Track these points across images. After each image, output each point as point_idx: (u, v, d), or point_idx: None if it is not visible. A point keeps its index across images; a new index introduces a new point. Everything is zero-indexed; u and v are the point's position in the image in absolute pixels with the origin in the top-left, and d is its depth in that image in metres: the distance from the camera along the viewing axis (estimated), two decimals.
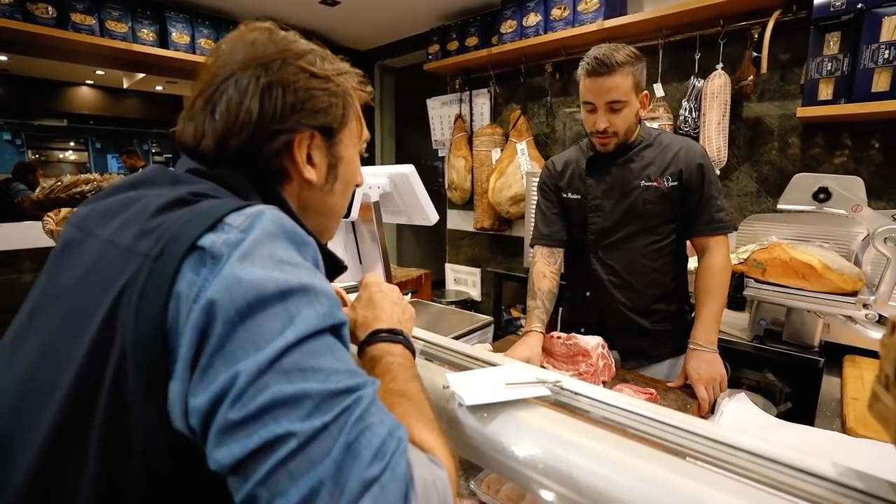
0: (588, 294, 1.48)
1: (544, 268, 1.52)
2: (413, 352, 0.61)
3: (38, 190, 2.33)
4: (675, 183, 1.36)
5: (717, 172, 1.80)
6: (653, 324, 1.41)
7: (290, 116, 0.55)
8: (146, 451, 0.40)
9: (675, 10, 2.09)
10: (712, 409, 1.08)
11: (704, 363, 1.21)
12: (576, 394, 0.55)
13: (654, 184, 1.36)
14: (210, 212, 0.44)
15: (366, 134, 0.67)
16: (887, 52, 1.60)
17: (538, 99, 2.89)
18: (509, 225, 3.11)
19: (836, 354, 1.58)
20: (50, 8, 2.28)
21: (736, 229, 1.84)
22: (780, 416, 1.63)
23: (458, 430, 0.55)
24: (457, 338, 1.57)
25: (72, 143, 6.31)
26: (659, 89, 2.28)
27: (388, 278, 1.43)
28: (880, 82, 1.62)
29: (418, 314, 1.79)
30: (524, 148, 2.77)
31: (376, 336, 0.61)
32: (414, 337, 0.81)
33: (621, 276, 1.43)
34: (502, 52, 2.72)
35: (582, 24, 2.39)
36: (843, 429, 1.20)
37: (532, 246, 1.58)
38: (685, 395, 1.18)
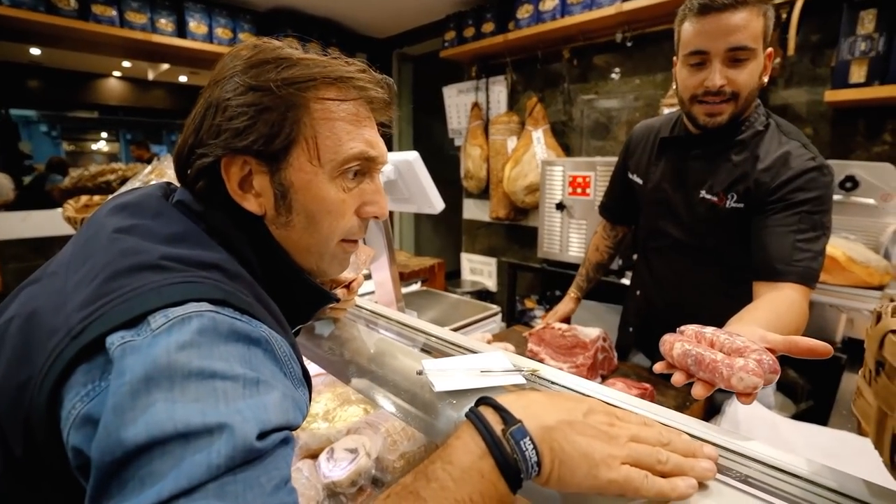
0: (638, 293, 1.36)
1: (599, 241, 1.47)
2: (514, 473, 0.38)
3: (66, 179, 2.44)
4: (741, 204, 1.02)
5: None
6: None
7: (212, 140, 0.50)
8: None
9: None
10: (717, 410, 1.04)
11: None
12: (552, 383, 0.54)
13: (715, 199, 1.06)
14: (143, 299, 0.40)
15: (347, 152, 0.53)
16: None
17: (555, 86, 2.83)
18: (525, 214, 3.07)
19: (859, 351, 1.51)
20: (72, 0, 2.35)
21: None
22: (801, 414, 1.57)
23: (431, 415, 0.54)
24: (462, 327, 1.56)
25: (104, 135, 6.53)
26: None
27: (393, 267, 1.43)
28: None
29: (428, 304, 1.80)
30: (540, 136, 2.72)
31: (476, 405, 0.42)
32: (405, 325, 0.80)
33: (667, 291, 1.23)
34: (518, 37, 2.67)
35: (600, 7, 2.31)
36: (859, 428, 1.15)
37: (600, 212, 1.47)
38: (686, 394, 1.13)
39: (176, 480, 0.32)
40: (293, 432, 0.41)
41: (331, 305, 0.82)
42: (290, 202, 0.52)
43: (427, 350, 0.73)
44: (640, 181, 1.24)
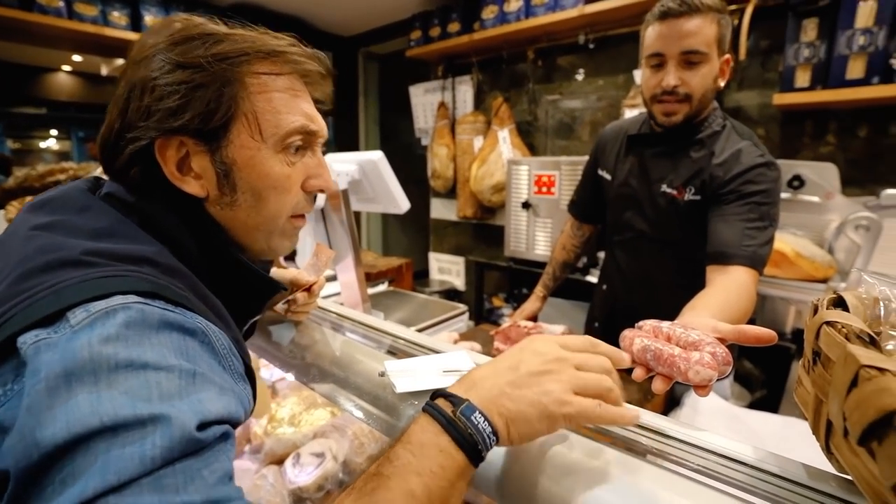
0: (604, 287, 1.40)
1: (566, 240, 1.51)
2: (472, 445, 0.39)
3: (10, 179, 2.29)
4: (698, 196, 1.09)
5: None
6: None
7: (142, 122, 0.47)
8: None
9: None
10: (677, 402, 1.08)
11: None
12: None
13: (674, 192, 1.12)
14: (60, 295, 0.37)
15: (288, 125, 0.52)
16: (862, 38, 1.58)
17: (521, 86, 2.86)
18: (492, 213, 3.10)
19: None
20: None
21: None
22: (756, 402, 1.65)
23: (394, 416, 0.54)
24: (429, 326, 1.56)
25: (53, 132, 6.18)
26: (639, 76, 2.26)
27: (359, 268, 1.41)
28: (855, 69, 1.61)
29: (396, 304, 1.79)
30: (506, 136, 2.74)
31: (429, 401, 0.43)
32: (370, 327, 0.80)
33: (631, 282, 1.28)
34: (484, 37, 2.68)
35: (563, 9, 2.35)
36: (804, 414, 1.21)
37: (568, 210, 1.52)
38: (647, 388, 1.17)
39: (102, 476, 0.29)
40: (236, 430, 0.39)
41: (292, 308, 0.81)
42: (234, 180, 0.51)
43: (392, 352, 0.72)
44: (608, 177, 1.29)
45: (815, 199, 1.54)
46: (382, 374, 0.55)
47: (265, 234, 0.55)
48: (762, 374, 1.75)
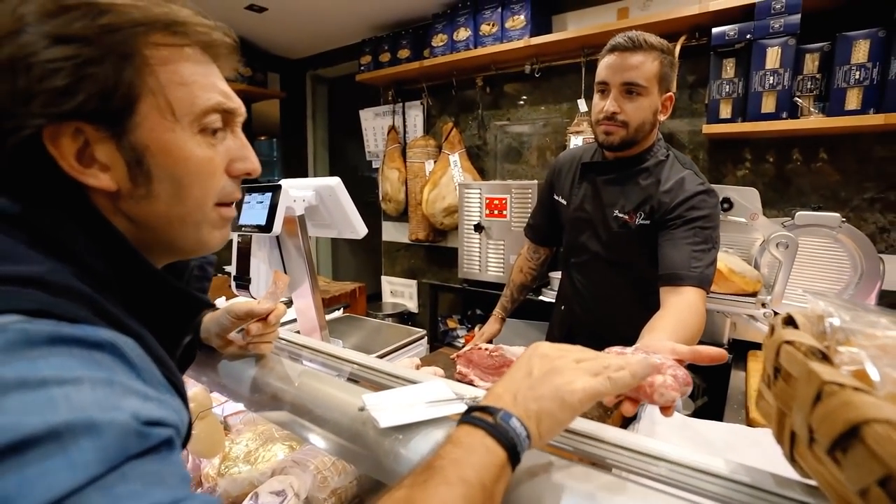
0: (562, 307, 1.45)
1: (524, 262, 1.56)
2: (512, 445, 0.41)
3: None
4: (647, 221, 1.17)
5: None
6: None
7: (20, 108, 0.39)
8: None
9: (595, 30, 2.21)
10: (635, 416, 1.13)
11: None
12: None
13: (626, 217, 1.20)
14: None
15: (203, 103, 0.46)
16: (772, 77, 1.78)
17: (470, 112, 2.95)
18: (444, 236, 3.13)
19: (742, 350, 1.72)
20: None
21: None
22: (698, 410, 1.75)
23: (375, 453, 0.52)
24: (389, 352, 1.54)
25: None
26: (582, 105, 2.40)
27: (316, 294, 1.38)
28: (767, 104, 1.80)
29: (352, 331, 1.75)
30: (457, 160, 2.80)
31: (465, 416, 0.44)
32: (337, 357, 0.78)
33: (588, 302, 1.34)
34: (434, 64, 2.75)
35: (510, 41, 2.47)
36: (748, 419, 1.31)
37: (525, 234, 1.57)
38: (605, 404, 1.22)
39: (31, 500, 0.26)
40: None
41: (254, 340, 0.77)
42: (149, 168, 0.45)
43: (354, 379, 0.71)
44: (564, 202, 1.36)
45: (742, 219, 1.69)
46: (362, 409, 0.54)
47: (192, 226, 0.49)
48: (703, 383, 1.86)
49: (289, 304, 1.46)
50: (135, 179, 0.45)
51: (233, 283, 1.42)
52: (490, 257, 2.50)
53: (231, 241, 1.39)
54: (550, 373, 0.47)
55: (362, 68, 3.14)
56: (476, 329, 2.77)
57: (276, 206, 1.22)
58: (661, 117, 1.16)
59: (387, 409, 0.52)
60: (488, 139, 2.92)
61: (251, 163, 0.52)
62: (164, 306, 0.50)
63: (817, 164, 1.95)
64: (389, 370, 0.68)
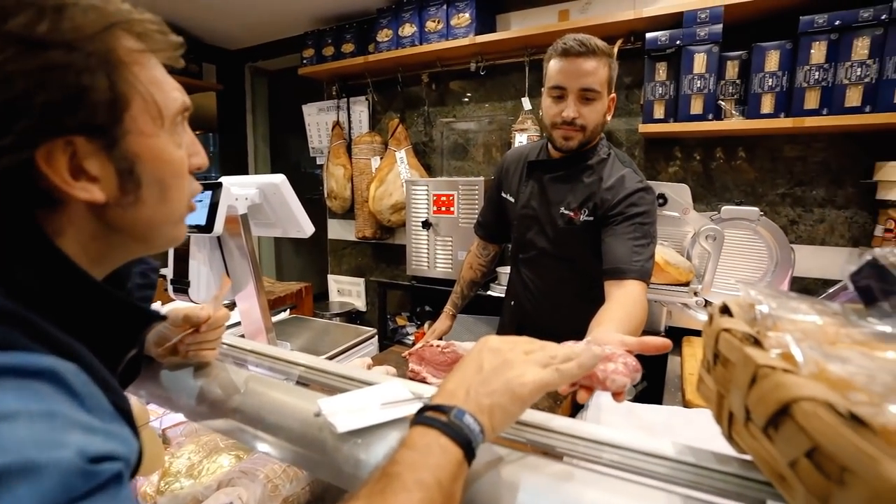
0: (512, 303, 1.47)
1: (473, 259, 1.57)
2: (467, 442, 0.41)
3: None
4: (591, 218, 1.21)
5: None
6: None
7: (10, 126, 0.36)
8: None
9: (538, 31, 2.26)
10: (583, 404, 1.17)
11: None
12: None
13: (571, 214, 1.24)
14: None
15: (174, 103, 0.46)
16: (699, 81, 1.90)
17: (416, 108, 2.94)
18: (391, 233, 3.10)
19: (677, 336, 1.83)
20: None
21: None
22: (639, 394, 1.85)
23: (333, 459, 0.51)
24: (340, 353, 1.51)
25: None
26: (527, 103, 2.46)
27: (261, 295, 1.32)
28: (695, 106, 1.93)
29: (299, 332, 1.70)
30: (403, 156, 2.79)
31: (419, 416, 0.44)
32: (286, 361, 0.75)
33: (537, 296, 1.36)
34: (379, 60, 2.71)
35: (455, 38, 2.48)
36: (684, 401, 1.40)
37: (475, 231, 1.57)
38: (555, 394, 1.26)
39: None
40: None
41: (195, 347, 0.73)
42: (139, 176, 0.44)
43: (304, 383, 0.69)
44: (512, 199, 1.38)
45: (676, 214, 1.80)
46: (318, 415, 0.52)
47: (172, 225, 0.50)
48: (643, 368, 1.97)
49: (231, 306, 1.39)
50: (125, 188, 0.43)
51: (170, 287, 1.34)
52: (438, 254, 2.51)
53: None
54: (501, 366, 0.47)
55: (305, 62, 3.04)
56: (426, 326, 2.79)
57: (217, 206, 1.16)
58: (608, 117, 1.21)
59: (343, 413, 0.51)
60: (434, 136, 2.92)
61: (202, 157, 0.52)
62: (106, 320, 0.47)
63: (737, 162, 2.12)
64: (342, 372, 0.67)
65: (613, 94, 1.20)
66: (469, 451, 0.41)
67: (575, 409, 1.21)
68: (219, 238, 1.32)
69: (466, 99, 2.78)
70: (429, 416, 0.43)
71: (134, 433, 0.41)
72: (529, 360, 0.48)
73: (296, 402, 0.59)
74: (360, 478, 0.49)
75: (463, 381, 0.46)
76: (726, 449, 0.45)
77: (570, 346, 0.54)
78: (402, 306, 3.17)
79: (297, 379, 0.73)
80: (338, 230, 3.43)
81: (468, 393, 0.45)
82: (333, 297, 3.51)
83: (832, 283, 1.95)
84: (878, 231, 1.83)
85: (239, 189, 1.24)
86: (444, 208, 2.44)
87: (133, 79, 0.42)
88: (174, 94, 0.47)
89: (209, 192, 1.16)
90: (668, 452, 0.45)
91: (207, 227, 1.15)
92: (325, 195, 3.21)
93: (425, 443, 0.41)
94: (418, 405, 0.53)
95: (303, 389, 0.65)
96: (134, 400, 0.93)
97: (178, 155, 0.48)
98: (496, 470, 0.47)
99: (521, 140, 2.36)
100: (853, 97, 1.70)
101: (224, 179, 1.19)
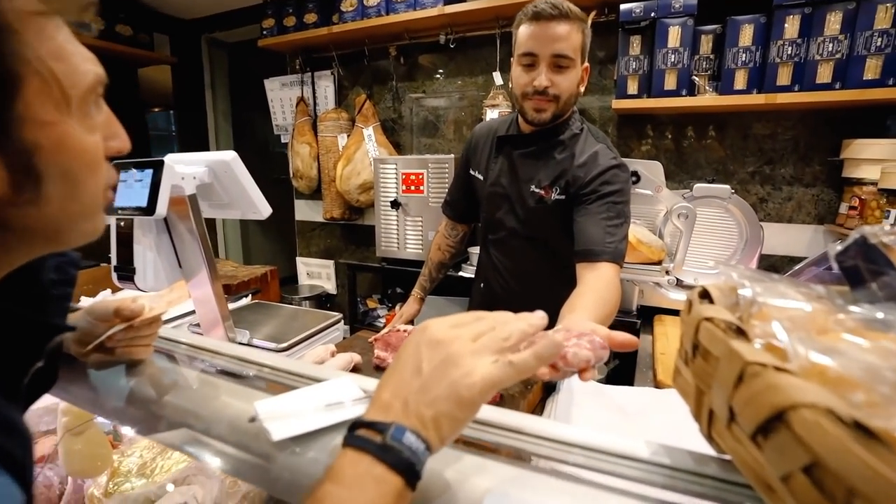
0: (482, 284, 1.42)
1: (441, 240, 1.51)
2: (408, 466, 0.36)
3: None
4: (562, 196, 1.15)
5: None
6: None
7: None
8: None
9: (509, 1, 2.17)
10: (554, 388, 1.14)
11: None
12: None
13: (541, 192, 1.17)
14: None
15: (84, 78, 0.37)
16: (673, 56, 1.86)
17: (384, 83, 2.82)
18: (360, 213, 3.01)
19: (648, 315, 1.83)
20: None
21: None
22: (611, 373, 1.85)
23: (269, 468, 0.45)
24: (303, 340, 1.44)
25: None
26: (498, 78, 2.38)
27: (216, 282, 1.23)
28: (669, 81, 1.89)
29: (262, 319, 1.62)
30: (371, 134, 2.68)
31: (350, 436, 0.38)
32: (224, 355, 0.68)
33: (507, 278, 1.32)
34: (344, 31, 2.58)
35: (423, 8, 2.37)
36: (655, 380, 1.39)
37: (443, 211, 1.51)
38: (527, 379, 1.22)
39: None
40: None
41: (126, 343, 0.65)
42: (38, 171, 0.35)
43: (252, 381, 0.62)
44: (481, 177, 1.31)
45: (648, 192, 1.77)
46: (253, 420, 0.46)
47: (89, 221, 0.42)
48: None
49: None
50: (19, 186, 0.34)
51: (114, 274, 1.24)
52: (408, 234, 2.44)
53: (108, 226, 1.20)
54: (443, 365, 0.39)
55: (265, 33, 2.87)
56: (397, 308, 2.73)
57: (160, 185, 1.05)
58: (581, 88, 1.14)
59: (281, 417, 0.45)
60: (403, 112, 2.82)
61: (122, 139, 0.43)
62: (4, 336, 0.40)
63: (708, 140, 2.10)
64: (289, 367, 0.60)
65: (587, 65, 1.13)
66: (412, 475, 0.36)
67: (547, 392, 1.18)
68: (165, 221, 1.22)
69: (438, 75, 2.68)
70: (361, 435, 0.37)
71: (22, 479, 0.34)
72: (478, 349, 0.40)
73: (233, 403, 0.53)
74: (301, 488, 0.43)
75: (399, 388, 0.39)
76: (699, 435, 0.41)
77: (526, 320, 0.47)
78: (372, 288, 3.10)
79: (252, 380, 0.66)
80: (305, 211, 3.32)
81: (406, 404, 0.38)
82: (303, 280, 3.41)
83: (798, 259, 1.98)
84: (843, 209, 1.84)
85: (185, 167, 1.14)
86: (413, 187, 2.36)
87: (27, 51, 0.33)
88: (84, 67, 0.37)
89: (150, 171, 1.06)
90: (642, 454, 0.41)
91: (149, 209, 1.05)
92: (291, 175, 3.08)
93: (356, 474, 0.34)
94: (367, 403, 0.47)
95: (243, 388, 0.58)
96: None
97: (91, 141, 0.38)
98: (452, 476, 0.42)
99: (492, 116, 2.29)
100: (824, 73, 1.69)
101: (168, 157, 1.09)
